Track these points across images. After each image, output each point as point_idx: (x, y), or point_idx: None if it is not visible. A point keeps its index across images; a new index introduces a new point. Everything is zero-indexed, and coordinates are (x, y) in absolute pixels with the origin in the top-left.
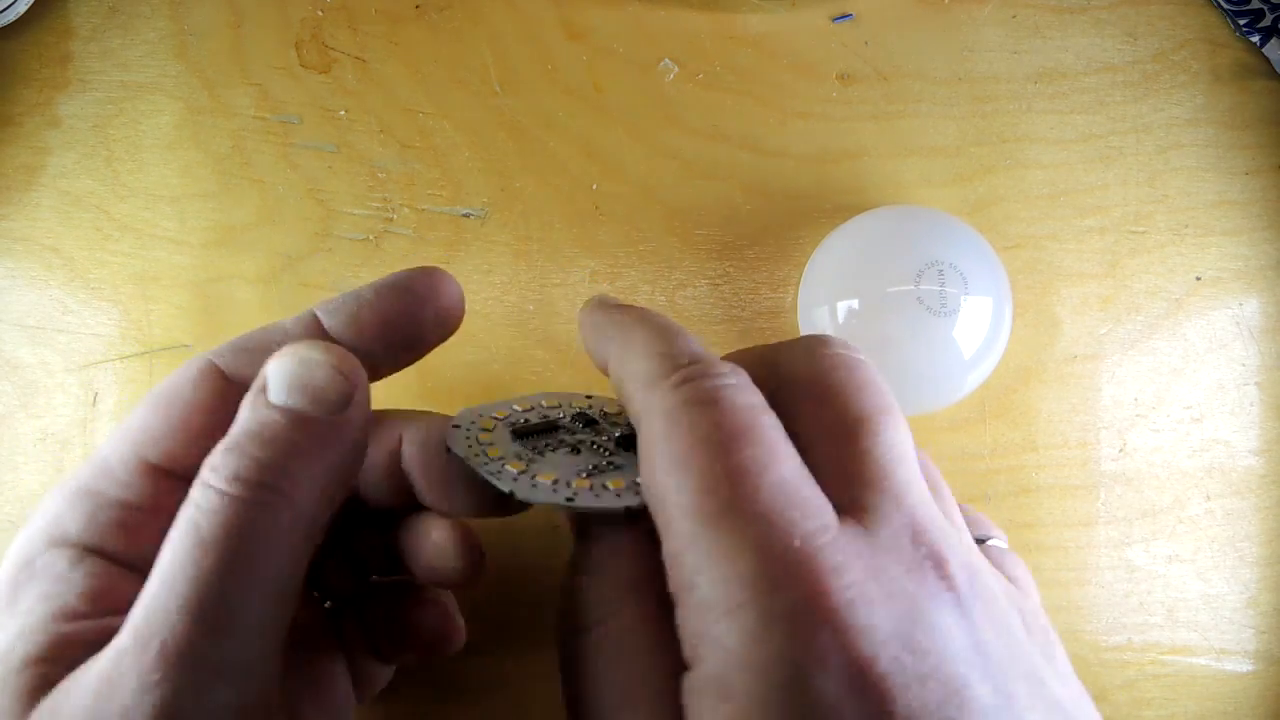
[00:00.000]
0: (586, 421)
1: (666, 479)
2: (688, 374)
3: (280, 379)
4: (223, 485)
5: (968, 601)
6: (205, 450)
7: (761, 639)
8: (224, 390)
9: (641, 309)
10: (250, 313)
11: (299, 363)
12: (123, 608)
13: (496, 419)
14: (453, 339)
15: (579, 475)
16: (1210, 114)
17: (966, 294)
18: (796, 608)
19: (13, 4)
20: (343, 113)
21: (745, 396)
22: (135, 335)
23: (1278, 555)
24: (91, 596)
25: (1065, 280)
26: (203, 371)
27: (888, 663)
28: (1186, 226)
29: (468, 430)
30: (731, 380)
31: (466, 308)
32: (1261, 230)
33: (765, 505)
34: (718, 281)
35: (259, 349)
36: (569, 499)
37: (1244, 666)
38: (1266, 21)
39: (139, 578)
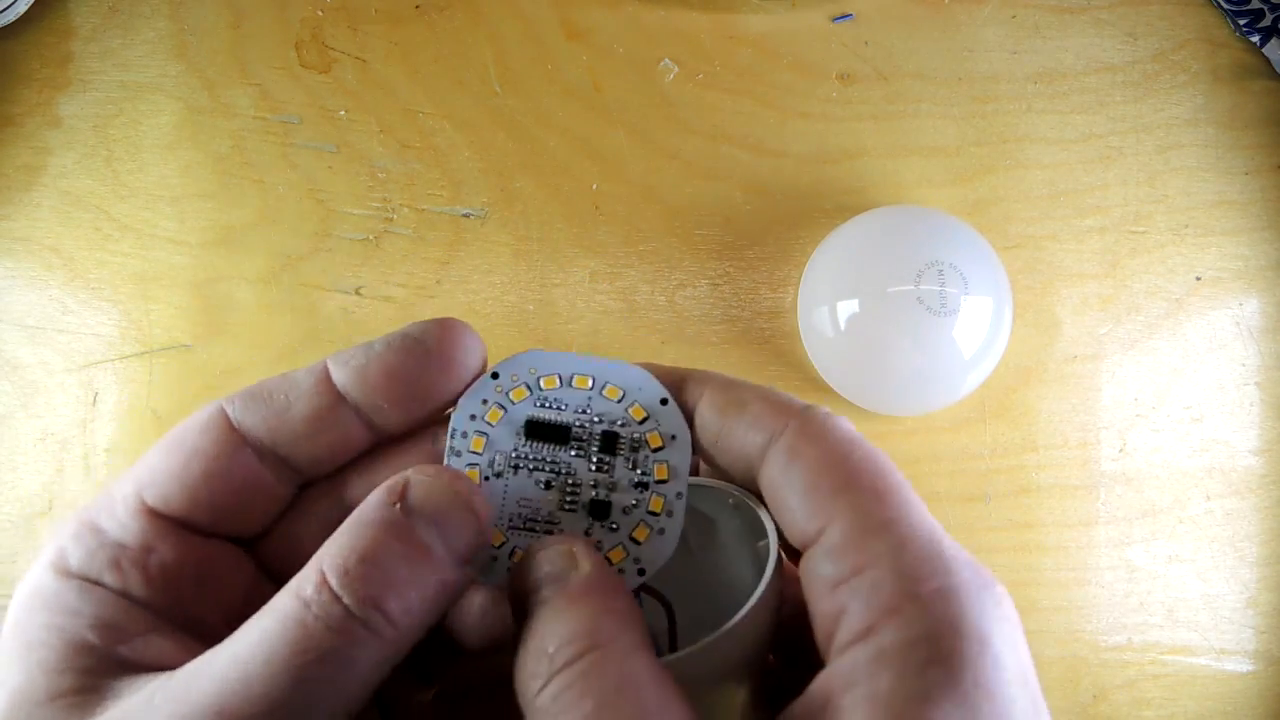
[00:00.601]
0: (606, 442)
1: (826, 484)
2: (815, 407)
3: (423, 504)
4: (352, 604)
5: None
6: (200, 498)
7: None
8: (229, 439)
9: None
10: (250, 313)
11: (447, 496)
12: (128, 639)
13: (529, 389)
14: None
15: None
16: (1210, 114)
17: (966, 294)
18: None
19: (13, 4)
20: (343, 113)
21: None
22: (135, 335)
23: (1278, 555)
24: (100, 628)
25: (1065, 280)
26: (212, 418)
27: None
28: (1186, 226)
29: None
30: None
31: (467, 308)
32: (1261, 230)
33: (927, 523)
34: (718, 281)
35: (270, 399)
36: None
37: (1244, 666)
38: (1266, 21)
39: (140, 611)
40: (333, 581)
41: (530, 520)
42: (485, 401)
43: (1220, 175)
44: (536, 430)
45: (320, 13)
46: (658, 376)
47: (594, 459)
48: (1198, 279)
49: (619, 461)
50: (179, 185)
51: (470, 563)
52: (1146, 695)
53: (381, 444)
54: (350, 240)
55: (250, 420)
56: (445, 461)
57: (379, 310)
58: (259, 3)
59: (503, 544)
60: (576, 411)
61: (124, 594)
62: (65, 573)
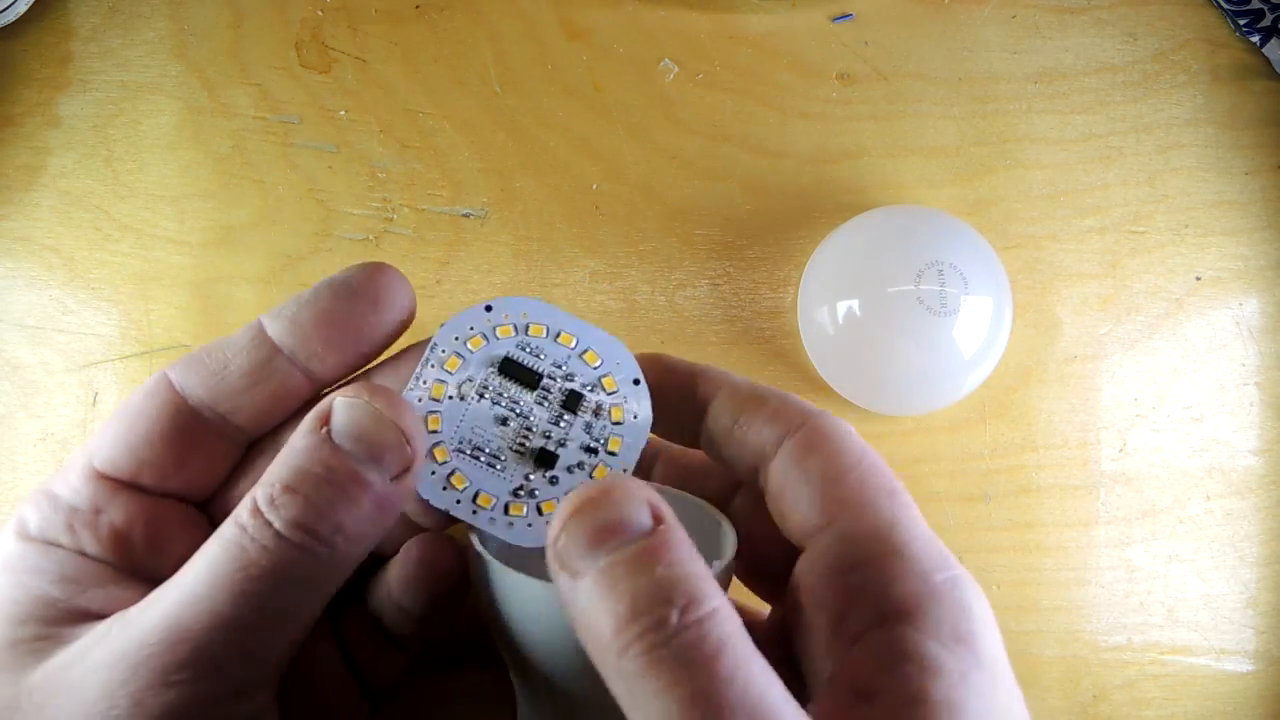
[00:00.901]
0: (570, 400)
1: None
2: (827, 413)
3: (347, 427)
4: (282, 527)
5: None
6: (145, 458)
7: None
8: (171, 401)
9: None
10: (250, 312)
11: (370, 418)
12: (86, 590)
13: (516, 330)
14: None
15: (512, 496)
16: (1210, 114)
17: (966, 294)
18: None
19: (13, 4)
20: (343, 113)
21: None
22: (135, 335)
23: (1278, 555)
24: (60, 582)
25: (1065, 280)
26: (155, 384)
27: None
28: (1186, 226)
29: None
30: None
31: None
32: (1261, 230)
33: None
34: (718, 281)
35: (208, 360)
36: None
37: (1244, 666)
38: (1266, 21)
39: (97, 566)
40: (263, 507)
41: (477, 449)
42: (472, 328)
43: (1220, 175)
44: (510, 369)
45: (320, 13)
46: (672, 369)
47: (554, 411)
48: (1198, 279)
49: (577, 421)
50: (179, 185)
51: (402, 477)
52: (1146, 695)
53: (323, 393)
54: (350, 240)
55: (191, 382)
56: (418, 371)
57: None
58: (259, 3)
59: (445, 462)
60: (552, 364)
61: (79, 552)
62: (25, 537)
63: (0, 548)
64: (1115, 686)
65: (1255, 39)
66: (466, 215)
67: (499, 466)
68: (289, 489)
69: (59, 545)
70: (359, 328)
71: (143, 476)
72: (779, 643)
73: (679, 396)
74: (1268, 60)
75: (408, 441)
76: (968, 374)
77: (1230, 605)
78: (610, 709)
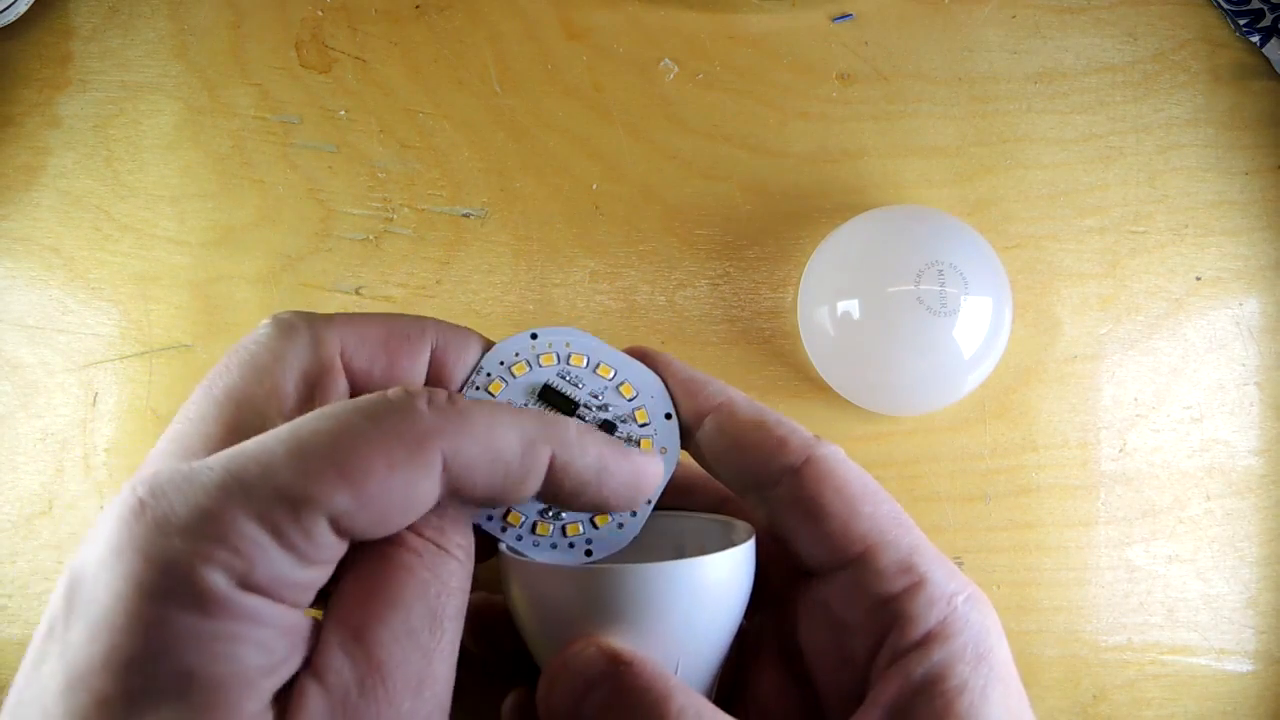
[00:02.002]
0: (601, 429)
1: None
2: (822, 440)
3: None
4: (465, 560)
5: None
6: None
7: None
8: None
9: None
10: (250, 313)
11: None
12: (268, 666)
13: (558, 359)
14: None
15: (539, 516)
16: (1210, 114)
17: (966, 294)
18: None
19: (13, 4)
20: (343, 113)
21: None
22: (135, 335)
23: (1278, 555)
24: (269, 649)
25: (1065, 280)
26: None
27: None
28: (1186, 226)
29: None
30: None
31: (467, 308)
32: (1261, 230)
33: None
34: (718, 281)
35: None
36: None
37: (1244, 666)
38: (1266, 21)
39: (288, 612)
40: (428, 533)
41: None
42: (518, 355)
43: (1220, 175)
44: (549, 396)
45: (320, 13)
46: (680, 376)
47: None
48: (1198, 279)
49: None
50: (179, 185)
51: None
52: (1146, 695)
53: None
54: (350, 240)
55: (469, 483)
56: (462, 393)
57: (378, 310)
58: (259, 3)
59: None
60: (589, 394)
61: (291, 602)
62: (255, 589)
63: (180, 565)
64: (1115, 686)
65: (1255, 39)
66: (466, 215)
67: None
68: (442, 521)
69: (269, 594)
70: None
71: (363, 538)
72: (781, 654)
73: (676, 403)
74: (1268, 60)
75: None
76: (968, 374)
77: (1230, 605)
78: None
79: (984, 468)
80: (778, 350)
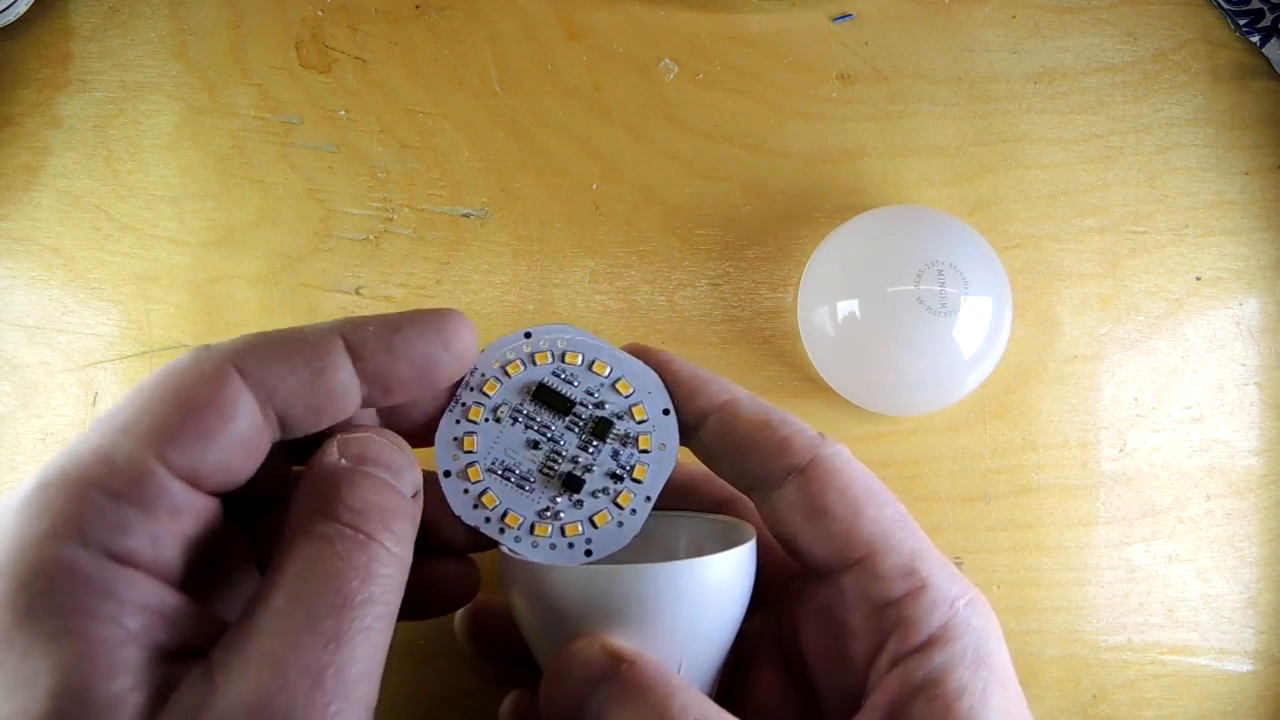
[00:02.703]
0: (600, 427)
1: None
2: (828, 440)
3: (374, 460)
4: (370, 530)
5: None
6: (221, 463)
7: None
8: (244, 397)
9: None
10: (250, 312)
11: (388, 450)
12: (164, 622)
13: (552, 357)
14: None
15: (537, 517)
16: (1210, 114)
17: (966, 294)
18: None
19: (13, 4)
20: (343, 113)
21: None
22: (135, 335)
23: (1278, 555)
24: (145, 611)
25: (1065, 280)
26: (219, 371)
27: None
28: (1186, 226)
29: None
30: None
31: (467, 308)
32: (1261, 230)
33: None
34: (718, 281)
35: (292, 366)
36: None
37: (1244, 666)
38: (1266, 21)
39: (162, 584)
40: (338, 517)
41: (508, 470)
42: (510, 354)
43: (1220, 175)
44: (544, 395)
45: (320, 13)
46: (682, 374)
47: (583, 437)
48: (1198, 279)
49: (605, 449)
50: (179, 185)
51: (415, 495)
52: (1146, 695)
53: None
54: (350, 240)
55: (267, 375)
56: (456, 394)
57: (379, 310)
58: (259, 3)
59: (478, 481)
60: (585, 392)
61: (144, 568)
62: (103, 552)
63: (49, 555)
64: (1115, 686)
65: (1255, 39)
66: (466, 215)
67: (528, 488)
68: (362, 499)
69: (137, 564)
70: (438, 377)
71: (211, 480)
72: (780, 655)
73: (679, 401)
74: (1268, 60)
75: (412, 459)
76: (968, 374)
77: (1230, 605)
78: None
79: (984, 468)
80: (778, 350)
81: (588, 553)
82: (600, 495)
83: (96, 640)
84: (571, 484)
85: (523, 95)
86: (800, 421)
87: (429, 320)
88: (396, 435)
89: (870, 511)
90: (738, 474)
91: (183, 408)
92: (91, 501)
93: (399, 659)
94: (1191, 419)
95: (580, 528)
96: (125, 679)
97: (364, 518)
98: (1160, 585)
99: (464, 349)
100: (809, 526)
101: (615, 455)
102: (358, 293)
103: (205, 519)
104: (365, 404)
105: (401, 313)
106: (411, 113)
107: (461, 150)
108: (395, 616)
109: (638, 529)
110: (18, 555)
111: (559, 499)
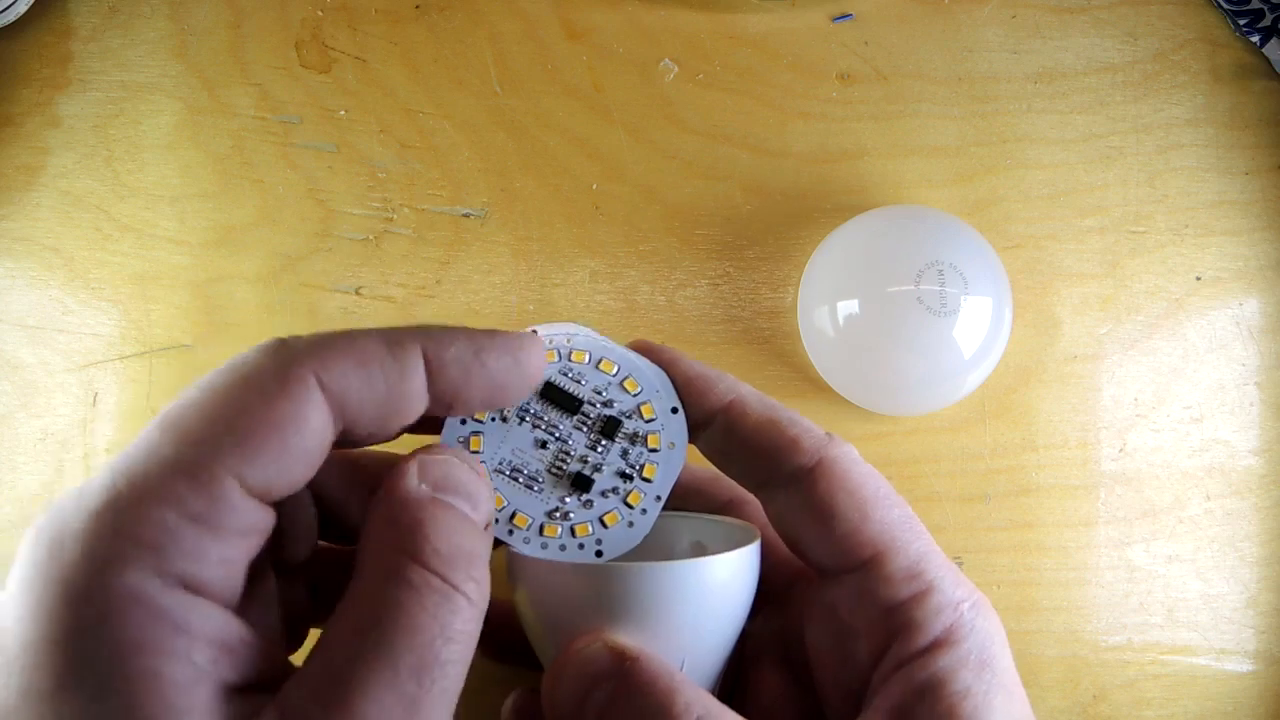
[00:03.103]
0: (609, 426)
1: None
2: (836, 439)
3: (457, 489)
4: (455, 580)
5: None
6: (294, 481)
7: None
8: (326, 416)
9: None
10: (250, 313)
11: (473, 480)
12: (206, 664)
13: (560, 356)
14: None
15: (546, 517)
16: (1210, 114)
17: (966, 294)
18: None
19: (13, 4)
20: (343, 113)
21: None
22: (135, 335)
23: (1278, 555)
24: (221, 649)
25: (1065, 280)
26: (298, 376)
27: None
28: (1186, 226)
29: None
30: None
31: (467, 308)
32: (1261, 230)
33: None
34: (718, 281)
35: (370, 380)
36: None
37: (1244, 666)
38: (1266, 21)
39: (228, 613)
40: (428, 563)
41: (516, 470)
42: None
43: (1220, 175)
44: (551, 394)
45: (320, 13)
46: (689, 373)
47: (592, 437)
48: (1198, 279)
49: (614, 448)
50: (179, 185)
51: (488, 526)
52: (1146, 695)
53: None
54: (350, 240)
55: (341, 381)
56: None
57: (379, 310)
58: (259, 3)
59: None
60: (593, 390)
61: (215, 596)
62: (142, 571)
63: (91, 587)
64: (1115, 686)
65: (1255, 39)
66: (466, 215)
67: (536, 488)
68: (448, 544)
69: (209, 594)
70: (503, 404)
71: (277, 497)
72: (783, 655)
73: (685, 399)
74: (1268, 60)
75: (490, 489)
76: (968, 374)
77: (1230, 605)
78: None
79: (984, 468)
80: (778, 350)
81: (598, 553)
82: (610, 495)
83: (169, 682)
84: (581, 483)
85: (523, 95)
86: (808, 421)
87: (510, 346)
88: (470, 456)
89: (877, 513)
90: (745, 473)
91: (262, 420)
92: (168, 525)
93: None
94: (1191, 419)
95: (590, 528)
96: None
97: (450, 565)
98: (1160, 585)
99: (536, 374)
100: (815, 527)
101: (624, 454)
102: (358, 293)
103: (267, 529)
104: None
105: (486, 333)
106: (411, 113)
107: (461, 150)
108: (469, 664)
109: (648, 529)
110: (86, 582)
111: (568, 499)
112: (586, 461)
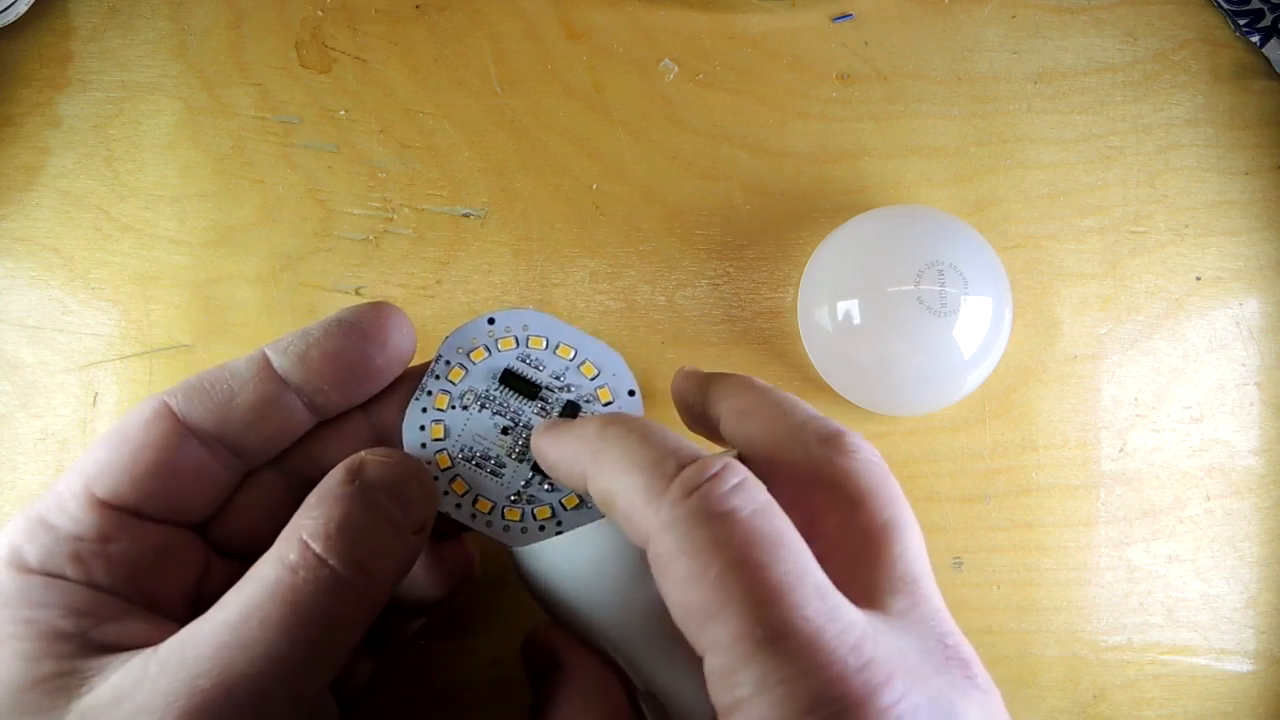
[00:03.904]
0: (568, 410)
1: (698, 600)
2: (689, 483)
3: (388, 487)
4: (339, 565)
5: (990, 695)
6: (150, 489)
7: None
8: (174, 430)
9: (607, 417)
10: (250, 313)
11: (408, 479)
12: (100, 623)
13: (517, 343)
14: None
15: (508, 501)
16: (1210, 114)
17: (966, 294)
18: None
19: (13, 4)
20: (343, 113)
21: (757, 499)
22: (135, 335)
23: (1278, 555)
24: (71, 615)
25: (1065, 280)
26: (156, 412)
27: None
28: (1186, 226)
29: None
30: (737, 481)
31: (467, 308)
32: (1261, 230)
33: (811, 625)
34: (718, 281)
35: (213, 391)
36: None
37: (1244, 666)
38: (1266, 21)
39: (106, 597)
40: (316, 547)
41: (481, 457)
42: (474, 341)
43: (1220, 175)
44: (511, 380)
45: (320, 13)
46: (691, 383)
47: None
48: (1198, 279)
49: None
50: (179, 185)
51: (423, 531)
52: (1146, 695)
53: (320, 424)
54: (350, 240)
55: (196, 413)
56: (423, 382)
57: None
58: (259, 3)
59: (447, 469)
60: (551, 375)
61: (88, 583)
62: (24, 569)
63: None
64: (1115, 686)
65: (1255, 39)
66: (466, 215)
67: (498, 474)
68: (343, 529)
69: (64, 577)
70: (365, 367)
71: (148, 506)
72: None
73: (700, 406)
74: (1268, 60)
75: (431, 494)
76: (968, 374)
77: (1230, 605)
78: (659, 654)
79: (984, 468)
80: (778, 350)
81: (559, 531)
82: None
83: (21, 639)
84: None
85: (523, 95)
86: (804, 407)
87: (343, 328)
88: (416, 462)
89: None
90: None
91: (119, 448)
92: (31, 532)
93: (401, 657)
94: (1191, 419)
95: (551, 510)
96: (49, 665)
97: (338, 551)
98: (1160, 585)
99: (398, 346)
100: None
101: None
102: (358, 293)
103: (155, 540)
104: (319, 417)
105: (321, 321)
106: (411, 113)
107: (461, 150)
108: (348, 650)
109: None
110: None
111: (529, 482)
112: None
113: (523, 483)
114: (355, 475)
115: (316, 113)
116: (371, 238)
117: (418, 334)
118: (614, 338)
